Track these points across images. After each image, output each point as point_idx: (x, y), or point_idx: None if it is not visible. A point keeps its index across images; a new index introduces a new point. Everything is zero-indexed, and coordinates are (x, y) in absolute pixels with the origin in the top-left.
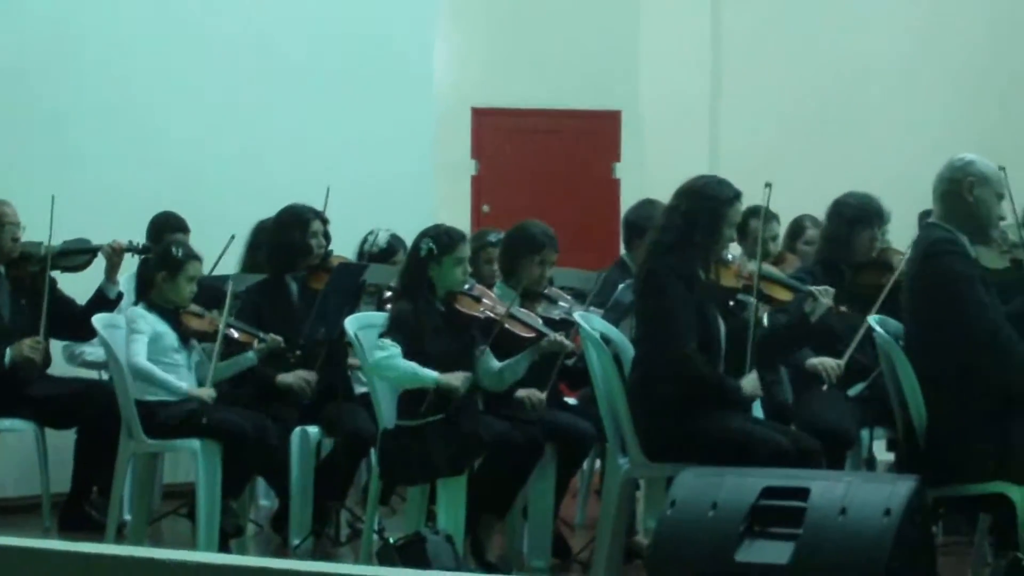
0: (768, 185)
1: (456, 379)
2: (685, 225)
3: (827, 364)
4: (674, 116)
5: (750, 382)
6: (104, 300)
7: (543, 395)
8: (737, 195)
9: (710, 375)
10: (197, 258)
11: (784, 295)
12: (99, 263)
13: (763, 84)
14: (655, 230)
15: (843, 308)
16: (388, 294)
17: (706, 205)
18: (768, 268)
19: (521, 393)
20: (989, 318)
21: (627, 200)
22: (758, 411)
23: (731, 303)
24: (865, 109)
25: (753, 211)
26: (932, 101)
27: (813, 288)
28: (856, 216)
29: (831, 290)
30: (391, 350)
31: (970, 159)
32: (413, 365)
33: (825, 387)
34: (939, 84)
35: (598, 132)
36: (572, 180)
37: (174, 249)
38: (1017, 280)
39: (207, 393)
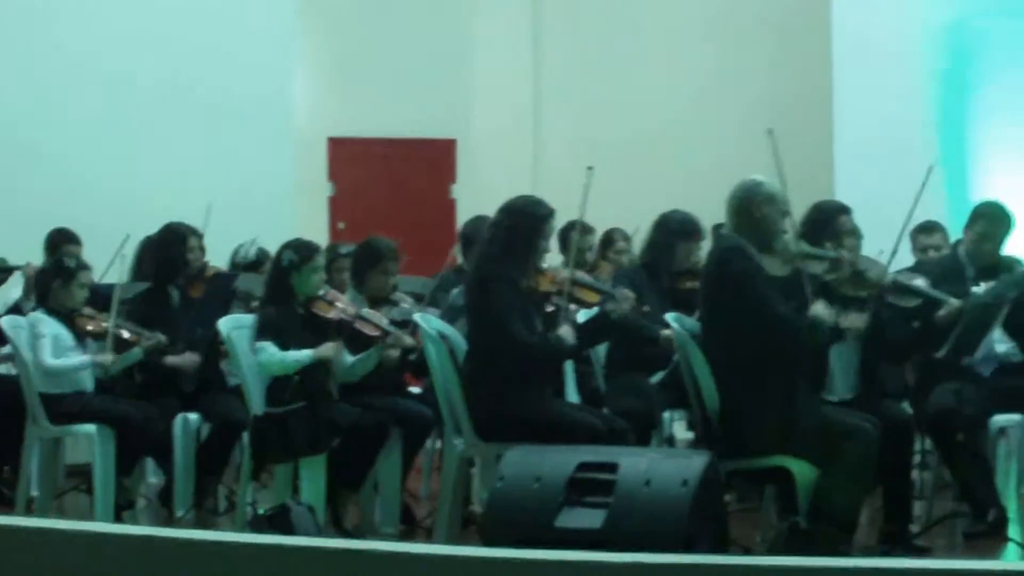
0: (590, 168)
1: (328, 349)
2: (508, 238)
3: None
4: (502, 143)
5: (566, 332)
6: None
7: None
8: (550, 212)
9: (536, 343)
10: (87, 267)
11: (592, 297)
12: None
13: (580, 113)
14: (483, 242)
15: (646, 308)
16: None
17: (525, 221)
18: (579, 274)
19: None
20: (774, 307)
21: (462, 216)
22: (574, 396)
23: (548, 306)
24: (668, 135)
25: (571, 225)
26: (724, 129)
27: (614, 291)
28: (679, 229)
29: (631, 294)
30: (269, 349)
31: (759, 180)
32: (290, 352)
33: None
34: (730, 114)
35: (437, 158)
36: (415, 200)
37: (66, 260)
38: (797, 286)
39: (106, 359)
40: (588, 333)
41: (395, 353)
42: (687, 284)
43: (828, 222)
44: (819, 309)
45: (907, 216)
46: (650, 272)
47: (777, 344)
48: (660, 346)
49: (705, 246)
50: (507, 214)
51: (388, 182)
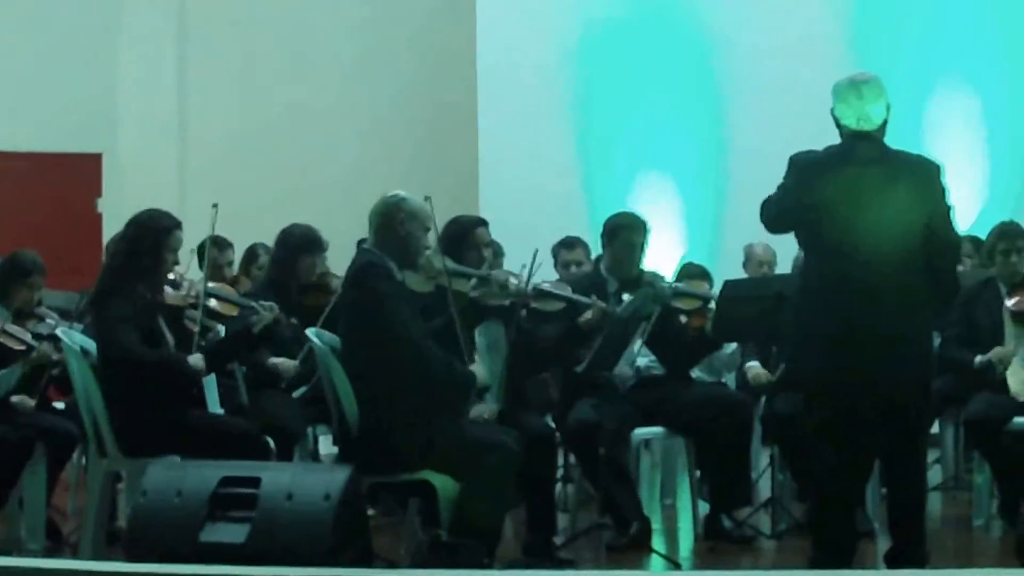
0: (215, 206)
1: None
2: (132, 250)
3: None
4: (148, 156)
5: (196, 359)
6: None
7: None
8: (176, 224)
9: (156, 355)
10: None
11: (231, 310)
12: None
13: (223, 127)
14: (110, 256)
15: (293, 320)
16: None
17: (149, 233)
18: (217, 288)
19: None
20: (411, 333)
21: (109, 231)
22: (217, 409)
23: (185, 320)
24: (305, 146)
25: (213, 240)
26: (361, 141)
27: (256, 304)
28: (300, 244)
29: (275, 306)
30: None
31: (403, 196)
32: None
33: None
34: (367, 126)
35: (82, 172)
36: (60, 214)
37: None
38: (441, 302)
39: None
40: (229, 349)
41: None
42: (313, 299)
43: (465, 235)
44: (477, 368)
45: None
46: (275, 288)
47: (404, 373)
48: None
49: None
50: (132, 227)
51: (33, 196)
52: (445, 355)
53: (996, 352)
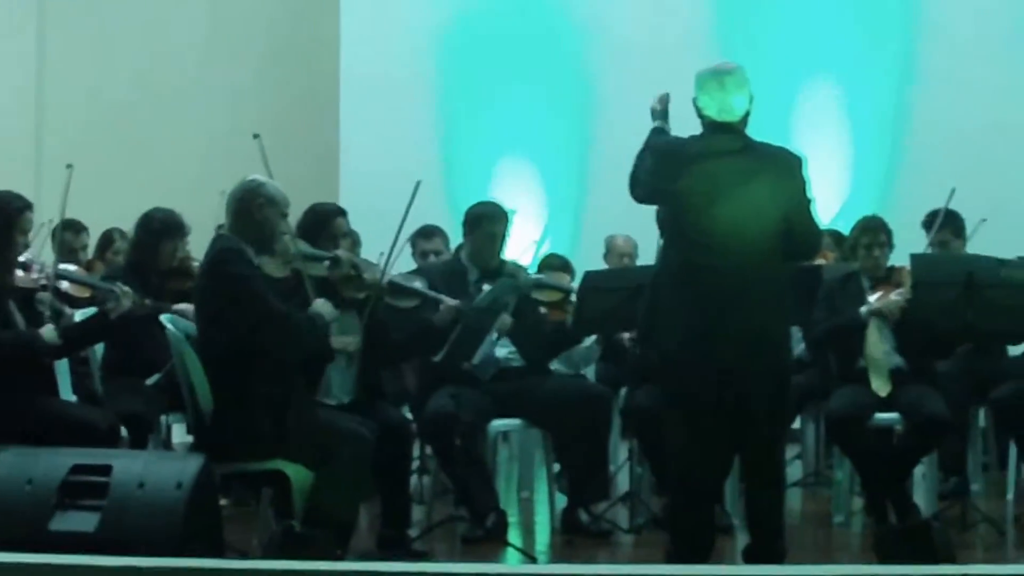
0: (69, 166)
1: None
2: None
3: None
4: (4, 133)
5: (49, 332)
6: None
7: None
8: (27, 206)
9: (8, 335)
10: None
11: (84, 293)
12: None
13: (81, 108)
14: None
15: (147, 301)
16: None
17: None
18: (68, 269)
19: None
20: (267, 305)
21: None
22: (70, 396)
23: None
24: (162, 128)
25: (68, 224)
26: (218, 125)
27: (114, 287)
28: (162, 228)
29: (129, 290)
30: None
31: (261, 181)
32: None
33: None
34: (224, 110)
35: None
36: None
37: None
38: (297, 288)
39: None
40: (84, 332)
41: None
42: (176, 284)
43: (324, 224)
44: (320, 305)
45: (400, 222)
46: (136, 273)
47: (270, 348)
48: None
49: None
50: None
51: None
52: (303, 316)
53: (879, 302)
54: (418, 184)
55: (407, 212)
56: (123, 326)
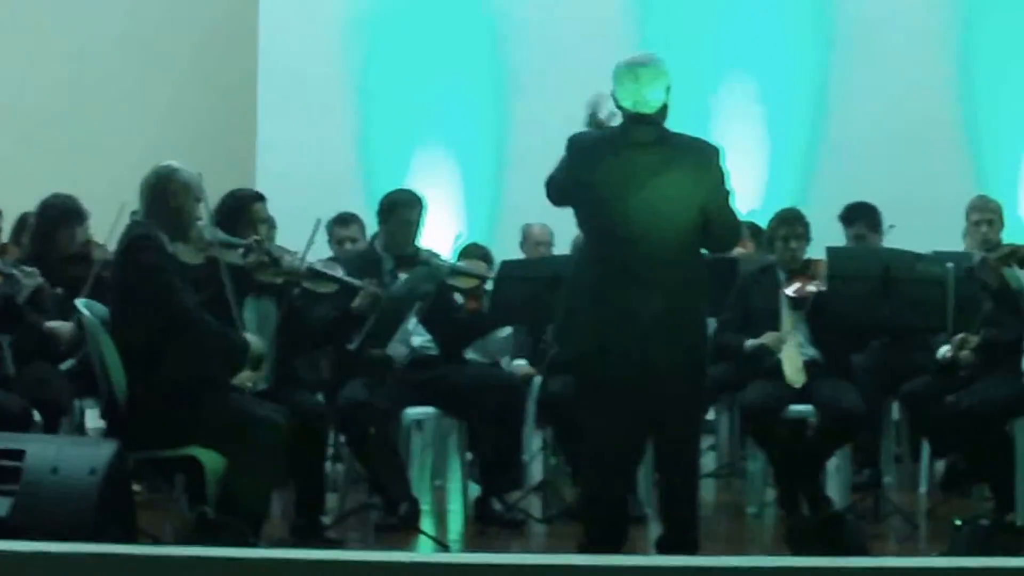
0: None
1: None
2: None
3: None
4: None
5: None
6: None
7: None
8: None
9: None
10: None
11: None
12: None
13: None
14: None
15: (58, 290)
16: None
17: None
18: None
19: None
20: (183, 302)
21: None
22: None
23: None
24: (78, 117)
25: None
26: (135, 112)
27: (15, 271)
28: (59, 215)
29: (34, 271)
30: None
31: (175, 167)
32: None
33: None
34: (140, 97)
35: None
36: None
37: None
38: (213, 275)
39: None
40: None
41: None
42: (77, 271)
43: (242, 210)
44: (253, 339)
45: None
46: (38, 258)
47: (183, 335)
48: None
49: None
50: None
51: None
52: (215, 322)
53: (768, 337)
54: (318, 222)
55: (308, 246)
56: (36, 310)
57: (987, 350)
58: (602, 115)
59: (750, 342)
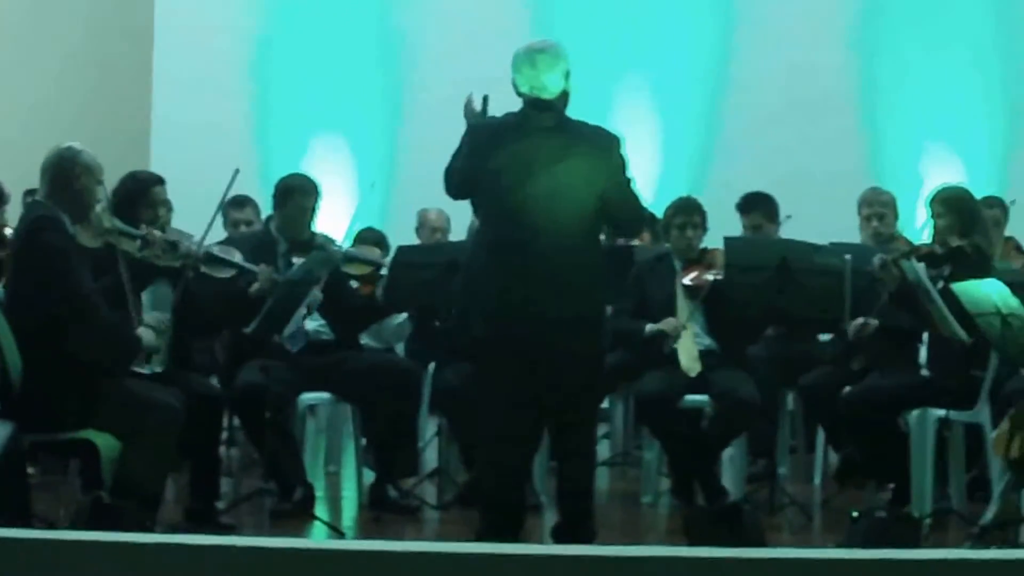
0: None
1: None
2: None
3: None
4: None
5: None
6: None
7: None
8: None
9: None
10: None
11: None
12: None
13: None
14: None
15: None
16: None
17: None
18: None
19: None
20: (81, 288)
21: None
22: None
23: None
24: None
25: None
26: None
27: None
28: None
29: None
30: None
31: (78, 149)
32: None
33: None
34: (35, 77)
35: None
36: None
37: None
38: (111, 260)
39: None
40: None
41: None
42: None
43: (143, 192)
44: (145, 332)
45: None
46: None
47: (80, 318)
48: None
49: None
50: None
51: None
52: (112, 316)
53: (667, 322)
54: (236, 172)
55: (225, 195)
56: None
57: (885, 340)
58: (476, 107)
59: (650, 327)
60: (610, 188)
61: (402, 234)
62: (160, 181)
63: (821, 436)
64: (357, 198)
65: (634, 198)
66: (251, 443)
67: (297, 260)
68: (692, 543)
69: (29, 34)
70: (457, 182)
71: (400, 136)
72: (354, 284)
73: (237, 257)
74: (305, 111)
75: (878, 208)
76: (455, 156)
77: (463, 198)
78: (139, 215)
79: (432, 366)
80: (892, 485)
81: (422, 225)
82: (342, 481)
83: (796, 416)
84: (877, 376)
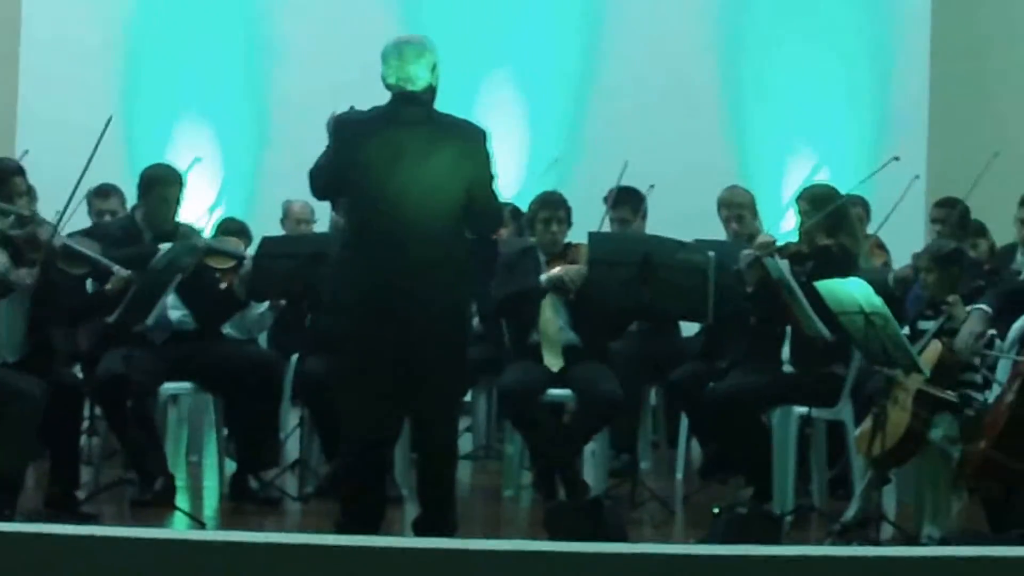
0: None
1: None
2: None
3: None
4: None
5: None
6: None
7: None
8: None
9: None
10: None
11: None
12: None
13: None
14: None
15: None
16: None
17: None
18: None
19: None
20: None
21: None
22: None
23: None
24: None
25: None
26: None
27: None
28: None
29: None
30: None
31: None
32: None
33: None
34: None
35: None
36: None
37: None
38: None
39: None
40: None
41: None
42: None
43: (3, 181)
44: None
45: (79, 178)
46: None
47: None
48: None
49: None
50: None
51: None
52: None
53: (566, 270)
54: (110, 119)
55: (96, 147)
56: None
57: (748, 336)
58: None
59: (544, 276)
60: (476, 182)
61: (266, 225)
62: (20, 171)
63: (684, 431)
64: (221, 187)
65: (494, 195)
66: (112, 432)
67: (164, 247)
68: (553, 537)
69: None
70: (323, 181)
71: (266, 126)
72: (217, 274)
73: (94, 251)
74: (171, 97)
75: (735, 210)
76: (322, 155)
77: (328, 198)
78: (12, 202)
79: (295, 357)
80: (753, 482)
81: (287, 216)
82: (203, 471)
83: (659, 411)
84: (740, 373)
